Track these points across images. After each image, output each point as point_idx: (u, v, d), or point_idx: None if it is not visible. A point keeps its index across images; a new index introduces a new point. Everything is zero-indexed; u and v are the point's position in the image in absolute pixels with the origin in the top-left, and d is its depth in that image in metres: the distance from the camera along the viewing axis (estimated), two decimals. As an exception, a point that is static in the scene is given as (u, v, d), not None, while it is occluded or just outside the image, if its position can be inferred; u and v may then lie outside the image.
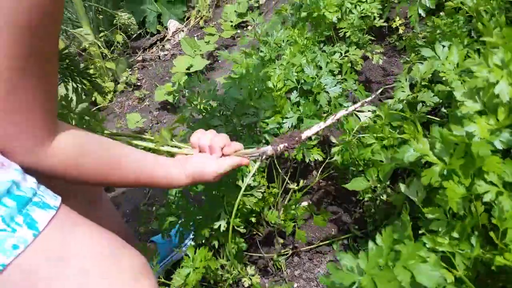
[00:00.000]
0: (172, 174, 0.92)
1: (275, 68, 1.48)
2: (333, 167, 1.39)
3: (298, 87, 1.41)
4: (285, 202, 1.51)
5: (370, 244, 0.72)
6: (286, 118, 1.31)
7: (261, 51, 1.69)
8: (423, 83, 1.29)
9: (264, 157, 0.94)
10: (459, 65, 1.04)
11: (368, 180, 1.06)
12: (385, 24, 1.84)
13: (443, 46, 1.10)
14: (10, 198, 0.64)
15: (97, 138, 0.79)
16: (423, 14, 1.49)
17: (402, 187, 0.95)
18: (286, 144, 0.92)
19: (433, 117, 1.24)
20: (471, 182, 0.78)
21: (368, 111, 1.29)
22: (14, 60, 0.60)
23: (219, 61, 2.78)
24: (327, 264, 0.79)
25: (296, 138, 0.92)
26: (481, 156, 0.75)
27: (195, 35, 3.14)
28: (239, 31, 2.94)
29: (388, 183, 1.09)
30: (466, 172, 0.78)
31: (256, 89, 1.36)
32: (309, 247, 1.40)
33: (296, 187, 1.38)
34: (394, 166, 1.01)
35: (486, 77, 0.77)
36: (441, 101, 1.26)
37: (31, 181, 0.68)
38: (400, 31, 2.02)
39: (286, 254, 1.40)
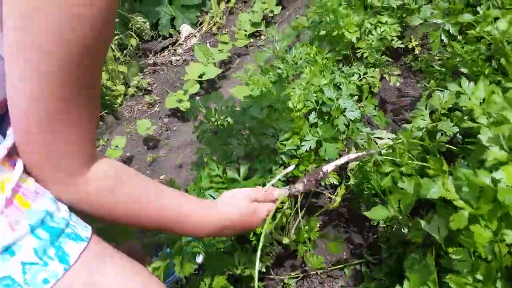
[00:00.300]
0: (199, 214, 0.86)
1: (294, 88, 1.48)
2: (347, 189, 1.39)
3: (317, 108, 1.41)
4: (297, 223, 1.51)
5: (397, 288, 0.72)
6: (305, 140, 1.32)
7: (279, 68, 1.70)
8: (442, 112, 1.30)
9: (295, 193, 0.95)
10: (485, 101, 1.04)
11: (389, 210, 1.06)
12: (401, 45, 1.85)
13: (469, 81, 1.11)
14: (43, 229, 0.64)
15: (133, 171, 0.78)
16: (445, 40, 1.49)
17: (423, 223, 0.95)
18: (313, 180, 0.92)
19: (452, 147, 1.24)
20: (497, 226, 0.78)
21: (388, 138, 1.30)
22: (61, 89, 0.58)
23: (231, 70, 2.78)
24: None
25: (321, 174, 0.93)
26: (508, 204, 0.75)
27: (207, 41, 3.14)
28: (252, 40, 2.95)
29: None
30: (492, 217, 0.78)
31: (276, 109, 1.36)
32: (321, 270, 1.40)
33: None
34: (416, 199, 1.01)
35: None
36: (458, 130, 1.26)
37: (63, 209, 0.68)
38: (416, 52, 2.02)
39: (297, 277, 1.41)
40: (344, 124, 1.34)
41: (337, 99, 1.41)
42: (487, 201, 0.77)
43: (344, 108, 1.36)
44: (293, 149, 1.34)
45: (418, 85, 1.87)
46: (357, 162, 1.39)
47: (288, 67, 1.68)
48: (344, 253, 1.40)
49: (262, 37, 2.94)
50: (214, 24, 3.27)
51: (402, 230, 1.06)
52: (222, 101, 1.40)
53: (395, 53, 2.07)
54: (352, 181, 1.33)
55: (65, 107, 0.60)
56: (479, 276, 0.79)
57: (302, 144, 1.31)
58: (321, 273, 1.40)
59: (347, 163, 0.99)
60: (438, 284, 0.82)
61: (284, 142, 1.33)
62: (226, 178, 1.29)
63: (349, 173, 1.37)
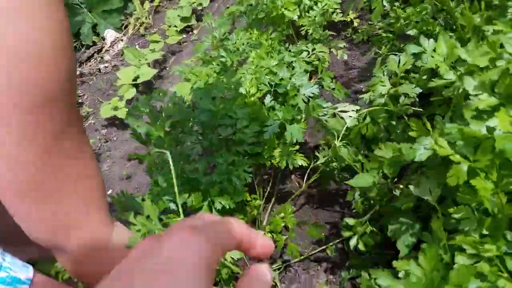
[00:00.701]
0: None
1: (244, 73, 1.38)
2: (315, 170, 1.32)
3: (272, 90, 1.32)
4: (268, 213, 1.42)
5: (413, 266, 0.64)
6: (266, 126, 1.22)
7: (222, 56, 1.59)
8: (401, 75, 1.25)
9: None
10: (448, 56, 1.00)
11: (373, 176, 0.99)
12: (343, 17, 1.81)
13: (428, 38, 1.06)
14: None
15: None
16: (387, 6, 1.46)
17: (412, 187, 0.89)
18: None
19: (418, 109, 1.20)
20: (498, 177, 0.73)
21: (352, 110, 1.24)
22: None
23: (167, 69, 2.63)
24: (362, 283, 0.71)
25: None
26: (507, 151, 0.71)
27: (136, 44, 2.95)
28: (184, 36, 2.81)
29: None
30: (491, 167, 0.73)
31: (229, 97, 1.26)
32: (302, 257, 1.32)
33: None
34: (402, 163, 0.95)
35: (503, 67, 0.73)
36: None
37: None
38: (355, 24, 1.99)
39: (279, 268, 1.31)
40: (303, 101, 1.26)
41: (291, 79, 1.33)
42: (485, 151, 0.71)
43: (300, 85, 1.28)
44: (255, 137, 1.24)
45: (364, 56, 1.85)
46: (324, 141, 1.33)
47: (232, 54, 1.58)
48: (323, 234, 1.33)
49: (195, 31, 2.81)
50: (141, 25, 3.09)
51: (395, 192, 1.00)
52: (167, 98, 1.27)
53: (334, 28, 2.03)
54: (321, 160, 1.25)
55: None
56: (485, 232, 0.74)
57: (265, 129, 1.22)
58: (303, 259, 1.32)
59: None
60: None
61: (244, 131, 1.23)
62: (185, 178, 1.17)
63: (317, 153, 1.29)
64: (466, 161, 0.73)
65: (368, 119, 1.22)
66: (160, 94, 1.32)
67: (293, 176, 1.54)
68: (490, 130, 0.73)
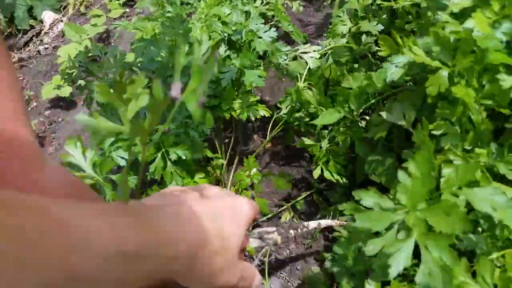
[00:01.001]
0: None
1: (193, 23, 1.27)
2: (279, 125, 1.23)
3: (226, 38, 1.22)
4: (232, 173, 1.32)
5: (401, 175, 0.56)
6: (223, 72, 1.11)
7: (169, 12, 1.46)
8: (361, 15, 1.19)
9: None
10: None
11: (339, 111, 0.91)
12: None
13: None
14: None
15: None
16: None
17: (384, 114, 0.82)
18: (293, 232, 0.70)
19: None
20: (478, 85, 0.67)
21: (314, 51, 1.15)
22: None
23: (112, 43, 2.46)
24: (346, 206, 0.63)
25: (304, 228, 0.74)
26: (488, 51, 0.64)
27: (77, 23, 2.75)
28: (128, 9, 2.64)
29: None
30: (471, 74, 0.66)
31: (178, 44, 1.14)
32: (270, 215, 1.23)
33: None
34: (365, 89, 0.87)
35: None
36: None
37: None
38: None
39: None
40: (262, 46, 1.17)
41: (245, 26, 1.23)
42: (465, 53, 0.64)
43: (257, 30, 1.18)
44: (213, 88, 1.14)
45: (319, 12, 1.78)
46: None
47: (179, 8, 1.45)
48: (291, 189, 1.25)
49: (138, 3, 2.64)
50: (81, 4, 2.88)
51: (361, 124, 0.93)
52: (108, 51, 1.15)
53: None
54: (284, 111, 1.17)
55: None
56: (469, 147, 0.68)
57: (221, 77, 1.11)
58: (271, 217, 1.23)
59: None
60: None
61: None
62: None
63: (278, 105, 1.20)
64: (445, 67, 0.66)
65: (330, 60, 1.14)
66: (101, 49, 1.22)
67: (255, 136, 1.45)
68: (468, 31, 0.66)
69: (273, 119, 1.20)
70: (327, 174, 0.97)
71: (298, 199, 1.22)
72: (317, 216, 1.18)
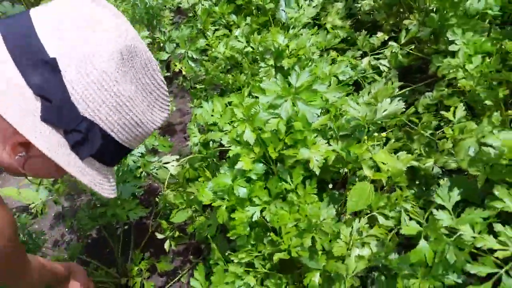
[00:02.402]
0: None
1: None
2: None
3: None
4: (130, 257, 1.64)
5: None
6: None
7: None
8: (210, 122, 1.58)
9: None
10: (222, 114, 1.33)
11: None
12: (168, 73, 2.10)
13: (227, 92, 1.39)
14: None
15: None
16: (193, 64, 1.79)
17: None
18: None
19: (226, 147, 1.53)
20: None
21: (173, 160, 1.53)
22: None
23: None
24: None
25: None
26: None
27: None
28: None
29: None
30: None
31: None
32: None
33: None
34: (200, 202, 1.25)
35: None
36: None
37: None
38: (184, 73, 2.31)
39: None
40: (132, 161, 1.52)
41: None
42: None
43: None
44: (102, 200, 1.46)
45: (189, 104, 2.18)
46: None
47: None
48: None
49: None
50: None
51: None
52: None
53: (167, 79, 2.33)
54: (160, 206, 1.52)
55: None
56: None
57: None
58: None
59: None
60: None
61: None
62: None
63: (157, 199, 1.55)
64: None
65: (187, 166, 1.52)
66: None
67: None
68: None
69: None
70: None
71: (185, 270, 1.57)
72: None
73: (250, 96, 1.24)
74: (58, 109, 0.80)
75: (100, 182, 0.90)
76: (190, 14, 2.11)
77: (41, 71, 0.79)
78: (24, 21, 0.83)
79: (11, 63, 0.79)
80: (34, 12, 0.85)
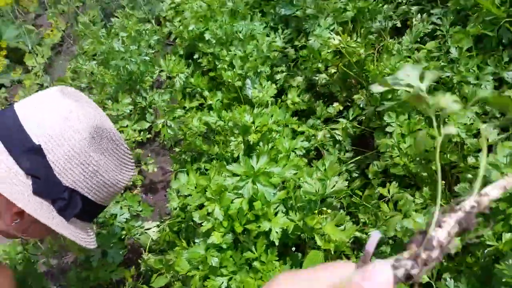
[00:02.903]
0: None
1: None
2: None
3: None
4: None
5: None
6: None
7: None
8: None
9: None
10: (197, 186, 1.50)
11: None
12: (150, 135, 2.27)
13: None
14: None
15: None
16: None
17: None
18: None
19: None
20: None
21: (154, 226, 1.68)
22: None
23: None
24: None
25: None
26: None
27: None
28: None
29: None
30: None
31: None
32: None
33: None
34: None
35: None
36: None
37: None
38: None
39: None
40: (119, 227, 1.67)
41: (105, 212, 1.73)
42: None
43: (114, 214, 1.69)
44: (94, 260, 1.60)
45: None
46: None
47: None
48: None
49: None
50: None
51: None
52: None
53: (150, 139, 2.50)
54: (142, 268, 1.66)
55: None
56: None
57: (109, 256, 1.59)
58: None
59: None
60: None
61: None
62: None
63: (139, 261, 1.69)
64: None
65: (167, 229, 1.67)
66: None
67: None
68: None
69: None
70: None
71: None
72: None
73: (218, 173, 1.41)
74: (45, 183, 1.02)
75: (83, 237, 1.11)
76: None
77: (28, 157, 1.01)
78: (11, 115, 1.05)
79: (6, 153, 1.02)
80: (18, 106, 1.09)
